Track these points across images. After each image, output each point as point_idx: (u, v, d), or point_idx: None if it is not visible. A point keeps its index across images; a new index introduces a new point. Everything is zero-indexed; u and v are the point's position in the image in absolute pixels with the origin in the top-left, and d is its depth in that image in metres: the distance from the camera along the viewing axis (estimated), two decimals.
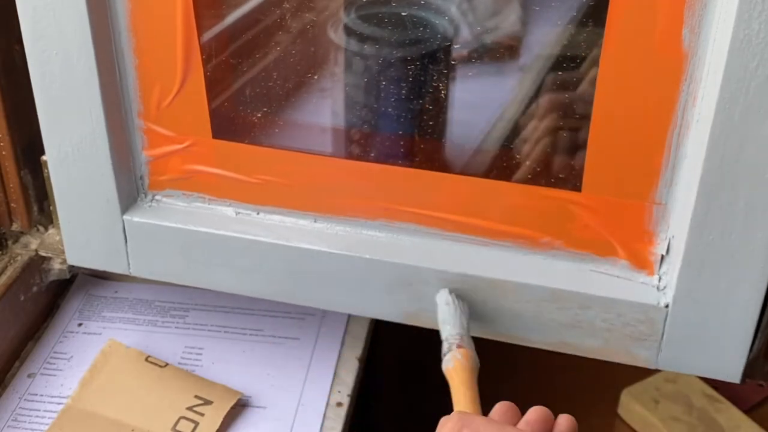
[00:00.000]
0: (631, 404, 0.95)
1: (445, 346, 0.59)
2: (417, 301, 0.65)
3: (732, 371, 0.59)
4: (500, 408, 0.54)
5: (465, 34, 0.67)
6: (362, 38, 0.67)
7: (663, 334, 0.60)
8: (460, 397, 0.56)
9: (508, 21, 0.66)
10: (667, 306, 0.59)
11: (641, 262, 0.60)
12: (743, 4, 0.48)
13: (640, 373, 0.90)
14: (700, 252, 0.56)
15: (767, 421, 0.92)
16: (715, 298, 0.57)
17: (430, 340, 0.68)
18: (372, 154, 0.70)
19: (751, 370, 0.59)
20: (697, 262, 0.56)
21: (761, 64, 0.49)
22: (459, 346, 0.58)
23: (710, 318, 0.58)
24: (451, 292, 0.63)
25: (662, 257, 0.59)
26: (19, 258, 0.78)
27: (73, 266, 0.77)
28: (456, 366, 0.57)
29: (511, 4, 0.66)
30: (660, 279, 0.59)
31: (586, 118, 0.57)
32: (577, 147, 0.60)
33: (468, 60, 0.67)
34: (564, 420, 0.54)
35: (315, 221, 0.67)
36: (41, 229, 0.80)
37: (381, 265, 0.64)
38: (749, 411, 0.94)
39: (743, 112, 0.51)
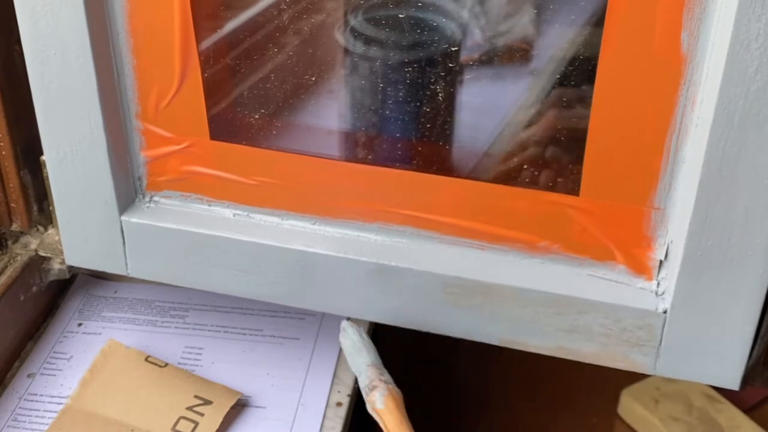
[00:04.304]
0: (631, 404, 0.94)
1: (365, 383, 0.57)
2: (414, 304, 0.65)
3: (731, 378, 0.59)
4: None
5: (464, 37, 0.66)
6: (365, 41, 0.66)
7: (661, 340, 0.59)
8: None
9: (515, 25, 0.65)
10: (665, 312, 0.58)
11: (640, 267, 0.60)
12: (742, 7, 0.48)
13: (640, 373, 0.90)
14: (698, 257, 0.55)
15: (767, 421, 0.92)
16: (714, 303, 0.56)
17: (430, 340, 0.67)
18: (370, 157, 0.69)
19: (750, 376, 0.58)
20: (696, 267, 0.56)
21: (760, 68, 0.49)
22: (382, 380, 0.56)
23: (709, 324, 0.57)
24: (349, 321, 0.61)
25: (661, 262, 0.59)
26: (18, 258, 0.78)
27: (72, 266, 0.78)
28: (389, 405, 0.55)
29: (513, 9, 0.66)
30: (658, 284, 0.59)
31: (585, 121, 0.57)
32: (577, 150, 0.60)
33: (467, 63, 0.67)
34: None
35: (314, 223, 0.67)
36: (41, 229, 0.80)
37: (378, 269, 0.64)
38: (749, 411, 0.93)
39: (742, 116, 0.50)
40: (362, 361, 0.59)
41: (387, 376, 0.57)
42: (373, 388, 0.56)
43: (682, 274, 0.56)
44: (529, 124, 0.64)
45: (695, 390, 0.94)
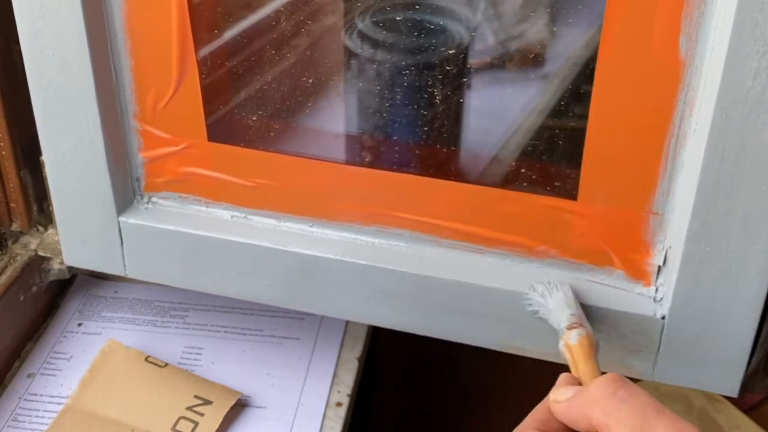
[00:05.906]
0: None
1: (564, 324, 0.57)
2: (411, 308, 0.64)
3: (730, 384, 0.58)
4: None
5: (459, 41, 0.66)
6: (372, 44, 0.66)
7: (659, 346, 0.59)
8: (587, 369, 0.53)
9: (528, 29, 0.65)
10: (663, 318, 0.58)
11: (638, 273, 0.59)
12: (741, 12, 0.47)
13: None
14: (697, 263, 0.55)
15: (767, 421, 0.91)
16: (713, 310, 0.56)
17: (430, 341, 0.67)
18: (368, 159, 0.69)
19: (749, 383, 0.58)
20: (695, 273, 0.55)
21: (759, 72, 0.48)
22: (583, 326, 0.56)
23: (708, 330, 0.57)
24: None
25: (659, 268, 0.58)
26: (18, 258, 0.78)
27: (72, 266, 0.78)
28: (582, 343, 0.55)
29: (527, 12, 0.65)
30: (657, 290, 0.59)
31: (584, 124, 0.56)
32: (575, 155, 0.59)
33: (476, 67, 0.66)
34: None
35: (311, 226, 0.67)
36: (41, 228, 0.80)
37: (375, 272, 0.64)
38: (749, 411, 0.93)
39: (741, 121, 0.50)
40: (568, 311, 0.58)
41: (588, 325, 0.57)
42: (572, 328, 0.56)
43: (681, 280, 0.56)
44: (536, 129, 0.63)
45: (695, 390, 0.93)
